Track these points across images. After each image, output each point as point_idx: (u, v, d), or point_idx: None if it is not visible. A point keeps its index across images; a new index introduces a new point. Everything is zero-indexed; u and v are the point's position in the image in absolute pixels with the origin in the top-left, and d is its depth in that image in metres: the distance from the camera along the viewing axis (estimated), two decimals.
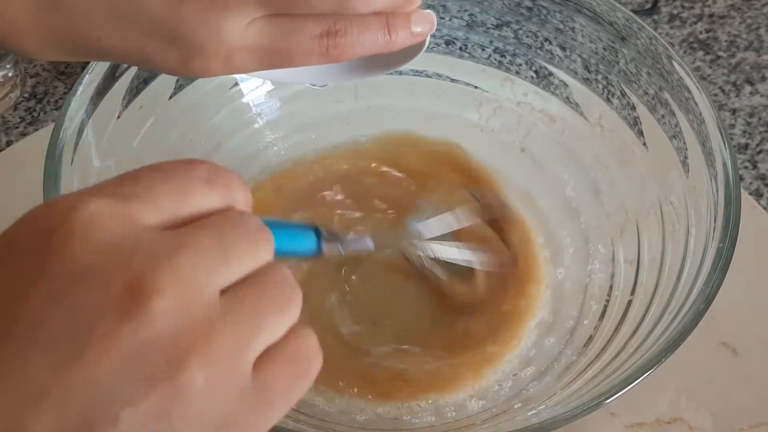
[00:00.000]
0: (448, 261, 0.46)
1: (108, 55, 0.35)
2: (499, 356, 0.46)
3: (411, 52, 0.36)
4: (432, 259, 0.46)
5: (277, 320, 0.21)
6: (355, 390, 0.45)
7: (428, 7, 0.35)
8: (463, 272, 0.48)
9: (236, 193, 0.22)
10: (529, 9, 0.50)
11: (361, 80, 0.39)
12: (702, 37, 0.68)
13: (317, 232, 0.32)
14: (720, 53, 0.67)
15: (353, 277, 0.49)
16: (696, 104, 0.43)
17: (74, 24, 0.33)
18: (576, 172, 0.51)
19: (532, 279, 0.49)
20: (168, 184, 0.21)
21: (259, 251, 0.21)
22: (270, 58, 0.33)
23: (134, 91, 0.45)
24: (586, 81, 0.50)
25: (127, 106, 0.45)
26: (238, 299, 0.20)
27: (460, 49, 0.53)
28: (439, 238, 0.46)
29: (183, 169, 0.21)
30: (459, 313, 0.48)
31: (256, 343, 0.20)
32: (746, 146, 0.60)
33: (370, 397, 0.44)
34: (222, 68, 0.33)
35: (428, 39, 0.36)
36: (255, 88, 0.53)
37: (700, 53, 0.67)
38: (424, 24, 0.35)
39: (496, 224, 0.50)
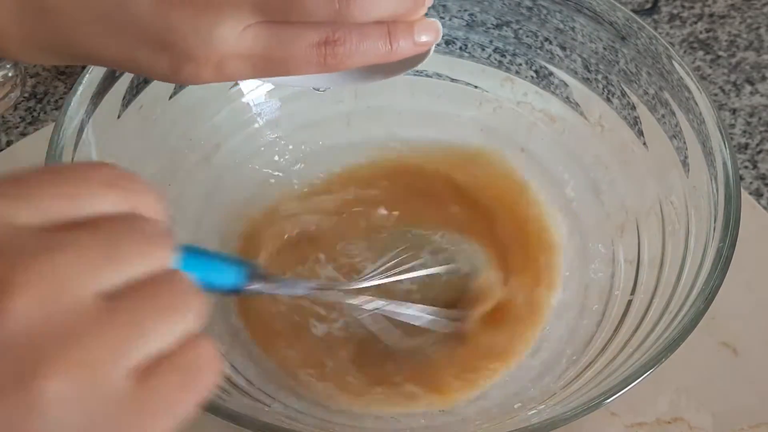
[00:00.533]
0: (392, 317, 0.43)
1: (97, 60, 0.34)
2: (498, 357, 0.46)
3: (415, 59, 0.35)
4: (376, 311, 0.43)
5: (165, 326, 0.19)
6: (356, 391, 0.45)
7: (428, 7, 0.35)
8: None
9: (140, 197, 0.21)
10: (529, 9, 0.50)
11: (362, 85, 0.38)
12: (702, 36, 0.68)
13: (247, 268, 0.29)
14: (720, 53, 0.67)
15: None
16: (696, 104, 0.43)
17: (61, 31, 0.32)
18: (576, 172, 0.51)
19: (543, 284, 0.49)
20: (57, 186, 0.19)
21: (154, 256, 0.20)
22: (264, 66, 0.32)
23: (134, 91, 0.45)
24: (586, 81, 0.50)
25: (127, 106, 0.45)
26: (120, 303, 0.19)
27: (460, 48, 0.53)
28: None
29: (80, 171, 0.20)
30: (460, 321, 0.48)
31: (135, 349, 0.19)
32: (746, 146, 0.60)
33: (369, 398, 0.44)
34: (214, 75, 0.32)
35: (433, 46, 0.35)
36: (255, 88, 0.53)
37: (700, 53, 0.67)
38: (428, 33, 0.33)
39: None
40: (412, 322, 0.43)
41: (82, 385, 0.17)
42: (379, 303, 0.42)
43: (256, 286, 0.30)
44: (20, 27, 0.32)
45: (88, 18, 0.31)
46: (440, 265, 0.47)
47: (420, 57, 0.35)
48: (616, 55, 0.48)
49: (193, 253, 0.24)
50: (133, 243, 0.20)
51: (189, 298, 0.20)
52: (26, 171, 0.20)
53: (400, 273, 0.44)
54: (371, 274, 0.44)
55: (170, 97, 0.48)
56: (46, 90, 0.63)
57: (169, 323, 0.19)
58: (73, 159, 0.40)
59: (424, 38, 0.33)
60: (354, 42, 0.31)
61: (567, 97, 0.51)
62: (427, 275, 0.46)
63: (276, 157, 0.54)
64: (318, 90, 0.48)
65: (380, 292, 0.44)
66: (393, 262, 0.44)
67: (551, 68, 0.51)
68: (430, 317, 0.44)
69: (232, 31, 0.30)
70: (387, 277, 0.44)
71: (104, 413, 0.18)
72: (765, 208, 0.56)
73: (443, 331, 0.45)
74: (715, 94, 0.64)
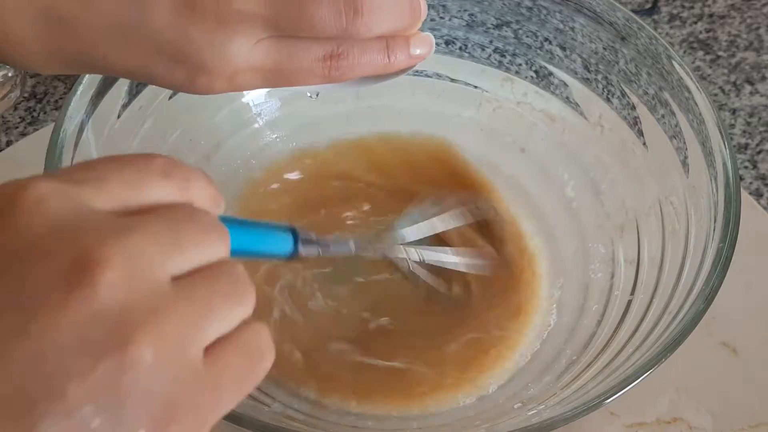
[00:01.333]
0: (434, 264, 0.47)
1: (113, 71, 0.35)
2: (498, 356, 0.46)
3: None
4: (417, 262, 0.47)
5: (230, 310, 0.21)
6: (351, 391, 0.45)
7: (428, 7, 0.35)
8: (456, 276, 0.49)
9: (196, 189, 0.23)
10: (529, 9, 0.50)
11: (355, 90, 0.40)
12: (702, 36, 0.68)
13: (294, 233, 0.32)
14: (720, 53, 0.67)
15: (348, 280, 0.49)
16: (696, 104, 0.43)
17: (80, 42, 0.33)
18: (576, 172, 0.51)
19: (531, 281, 0.49)
20: (123, 172, 0.21)
21: (212, 246, 0.21)
22: (273, 78, 0.34)
23: (134, 91, 0.45)
24: (586, 81, 0.50)
25: (127, 106, 0.45)
26: (190, 285, 0.20)
27: (460, 49, 0.53)
28: (425, 243, 0.47)
29: (140, 161, 0.22)
30: (455, 313, 0.48)
31: (207, 328, 0.20)
32: (746, 146, 0.60)
33: (365, 398, 0.45)
34: (226, 86, 0.34)
35: None
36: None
37: (700, 53, 0.67)
38: (423, 47, 0.36)
39: (486, 228, 0.51)
40: (451, 267, 0.47)
41: (168, 356, 0.19)
42: (420, 252, 0.45)
43: (305, 250, 0.32)
44: (42, 41, 0.33)
45: (106, 32, 0.32)
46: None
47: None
48: (616, 55, 0.48)
49: (242, 225, 0.27)
50: (193, 231, 0.21)
51: (245, 285, 0.22)
52: (93, 160, 0.22)
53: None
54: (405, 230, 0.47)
55: (170, 97, 0.48)
56: (46, 90, 0.63)
57: (231, 307, 0.21)
58: (73, 159, 0.40)
59: (418, 51, 0.36)
60: (356, 56, 0.34)
61: (567, 97, 0.51)
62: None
63: (276, 158, 0.55)
64: (309, 96, 0.50)
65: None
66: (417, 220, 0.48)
67: (551, 68, 0.51)
68: (466, 259, 0.47)
69: (245, 45, 0.32)
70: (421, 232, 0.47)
71: (185, 385, 0.19)
72: (765, 208, 0.56)
73: (478, 271, 0.48)
74: (715, 95, 0.64)
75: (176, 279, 0.20)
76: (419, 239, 0.47)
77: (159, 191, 0.21)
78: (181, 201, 0.22)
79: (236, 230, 0.25)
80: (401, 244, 0.47)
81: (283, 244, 0.32)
